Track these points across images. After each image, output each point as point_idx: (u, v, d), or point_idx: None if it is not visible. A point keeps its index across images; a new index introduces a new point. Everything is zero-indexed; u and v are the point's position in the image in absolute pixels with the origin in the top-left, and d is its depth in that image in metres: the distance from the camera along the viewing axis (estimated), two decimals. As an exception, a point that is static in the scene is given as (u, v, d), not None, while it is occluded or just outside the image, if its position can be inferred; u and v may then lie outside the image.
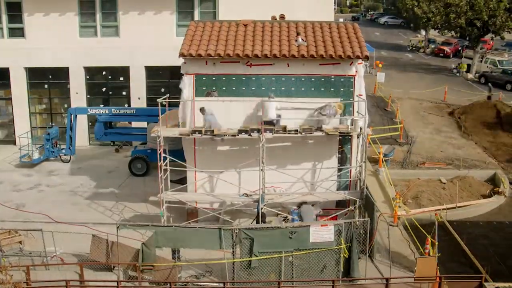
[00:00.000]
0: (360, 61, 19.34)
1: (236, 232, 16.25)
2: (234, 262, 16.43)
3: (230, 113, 19.23)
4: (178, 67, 20.24)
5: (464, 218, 21.96)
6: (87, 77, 29.53)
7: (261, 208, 18.35)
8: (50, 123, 30.36)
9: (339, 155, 20.11)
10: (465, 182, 24.57)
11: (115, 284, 15.80)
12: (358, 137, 19.60)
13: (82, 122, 29.55)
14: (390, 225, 20.74)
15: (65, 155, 27.50)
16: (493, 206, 23.12)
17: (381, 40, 70.35)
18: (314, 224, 16.68)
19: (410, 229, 20.14)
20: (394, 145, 29.28)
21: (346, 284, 16.60)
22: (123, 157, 28.22)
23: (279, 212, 19.39)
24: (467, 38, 50.55)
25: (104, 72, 29.56)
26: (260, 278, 16.45)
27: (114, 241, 16.89)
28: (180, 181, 21.76)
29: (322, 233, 16.36)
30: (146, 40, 28.08)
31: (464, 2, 46.07)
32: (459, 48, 61.70)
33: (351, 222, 16.64)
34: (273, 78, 19.45)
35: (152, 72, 29.32)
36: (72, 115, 26.66)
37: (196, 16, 28.10)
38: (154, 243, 16.67)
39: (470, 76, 48.89)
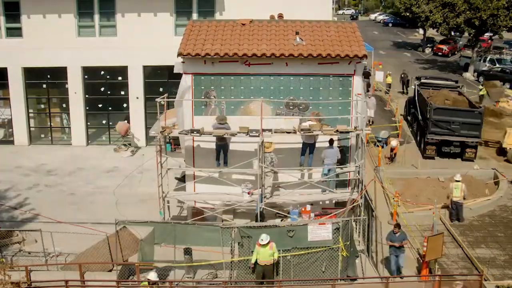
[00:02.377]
0: (358, 60, 19.33)
1: (234, 231, 16.24)
2: (232, 260, 16.42)
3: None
4: (177, 67, 20.23)
5: (464, 217, 21.94)
6: (85, 77, 29.48)
7: (260, 208, 18.35)
8: (49, 123, 30.33)
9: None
10: (464, 181, 24.53)
11: (114, 284, 15.80)
12: (357, 136, 19.59)
13: (79, 121, 29.57)
14: (389, 224, 20.77)
15: None
16: (492, 205, 23.10)
17: (379, 39, 70.35)
18: (312, 223, 16.69)
19: (409, 228, 20.19)
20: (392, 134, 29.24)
21: (346, 283, 16.56)
22: (121, 156, 28.25)
23: (279, 212, 19.39)
24: (469, 35, 50.29)
25: (102, 72, 29.52)
26: (257, 277, 16.43)
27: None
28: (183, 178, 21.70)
29: (320, 231, 16.36)
30: (144, 40, 28.06)
31: (461, 1, 46.01)
32: (457, 47, 61.79)
33: (348, 221, 16.64)
34: (272, 78, 19.45)
35: (150, 71, 29.30)
36: None
37: (195, 16, 28.09)
38: (153, 240, 16.66)
39: (468, 75, 48.91)
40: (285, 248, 16.34)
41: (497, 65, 47.70)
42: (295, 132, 18.59)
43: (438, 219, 20.56)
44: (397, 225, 17.36)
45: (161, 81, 29.30)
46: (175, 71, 19.65)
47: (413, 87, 33.86)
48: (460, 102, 29.64)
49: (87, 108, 29.80)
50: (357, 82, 19.56)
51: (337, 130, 18.72)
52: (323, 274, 16.44)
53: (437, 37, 67.09)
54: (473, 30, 47.02)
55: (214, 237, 16.33)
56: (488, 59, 49.55)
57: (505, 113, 31.07)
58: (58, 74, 29.48)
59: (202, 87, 19.53)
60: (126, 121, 29.30)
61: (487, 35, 57.00)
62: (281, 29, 20.66)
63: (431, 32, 65.26)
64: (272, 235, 16.25)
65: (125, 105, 29.64)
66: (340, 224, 16.36)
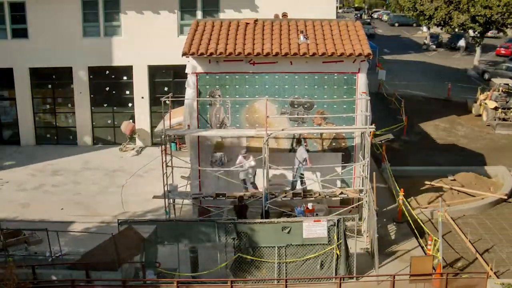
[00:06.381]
0: (363, 58, 19.34)
1: (230, 226, 16.27)
2: (226, 255, 16.43)
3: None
4: (181, 66, 20.27)
5: (469, 215, 21.93)
6: (91, 76, 29.56)
7: (265, 206, 18.39)
8: (55, 123, 30.43)
9: (343, 153, 20.14)
10: (469, 178, 24.52)
11: (120, 283, 15.86)
12: (361, 135, 19.61)
13: (85, 121, 29.67)
14: (394, 221, 20.80)
15: None
16: (497, 202, 23.07)
17: (383, 37, 70.26)
18: (307, 220, 16.70)
19: (414, 226, 20.19)
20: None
21: (345, 282, 16.47)
22: (126, 156, 28.33)
23: (283, 210, 19.41)
24: (473, 32, 50.02)
25: (107, 72, 29.60)
26: (252, 273, 16.52)
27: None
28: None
29: (315, 228, 16.35)
30: (149, 40, 28.10)
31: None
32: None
33: (341, 218, 16.58)
34: (276, 76, 19.49)
35: (155, 71, 29.37)
36: None
37: (199, 15, 28.13)
38: (156, 239, 16.71)
39: (472, 72, 48.81)
40: (279, 244, 16.37)
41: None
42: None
43: (443, 217, 20.59)
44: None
45: (166, 80, 29.35)
46: (187, 71, 19.70)
47: None
48: None
49: (93, 108, 29.89)
50: (362, 80, 19.57)
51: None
52: (320, 271, 16.43)
53: (443, 34, 66.94)
54: (480, 27, 46.79)
55: (212, 233, 16.34)
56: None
57: None
58: (64, 74, 29.54)
59: (207, 86, 19.58)
60: (131, 121, 29.38)
61: (491, 32, 56.81)
62: (285, 28, 20.69)
63: (435, 30, 65.09)
64: (268, 232, 16.26)
65: (130, 104, 29.72)
66: (335, 221, 16.30)
